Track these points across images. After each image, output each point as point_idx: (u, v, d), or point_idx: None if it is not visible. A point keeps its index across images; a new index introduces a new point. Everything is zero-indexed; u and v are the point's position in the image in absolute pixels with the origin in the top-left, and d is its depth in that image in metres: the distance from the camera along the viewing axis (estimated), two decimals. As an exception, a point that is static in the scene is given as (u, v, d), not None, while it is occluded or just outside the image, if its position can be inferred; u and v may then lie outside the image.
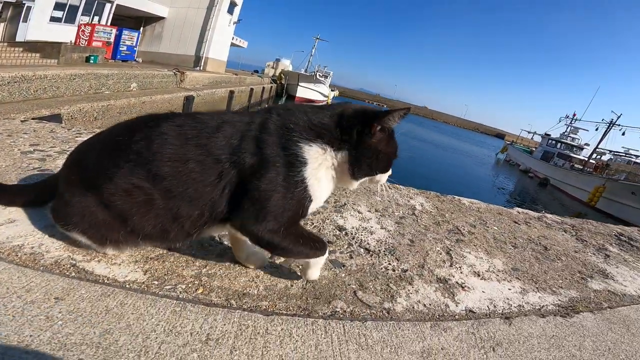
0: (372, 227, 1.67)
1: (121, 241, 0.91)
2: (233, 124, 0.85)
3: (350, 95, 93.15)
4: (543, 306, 1.29)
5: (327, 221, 1.62)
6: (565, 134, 29.71)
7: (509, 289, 1.35)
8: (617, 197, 17.13)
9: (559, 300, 1.37)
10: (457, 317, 1.12)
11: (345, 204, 1.90)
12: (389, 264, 1.35)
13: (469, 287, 1.30)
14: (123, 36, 14.48)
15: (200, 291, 0.96)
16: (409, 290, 1.21)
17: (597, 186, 18.13)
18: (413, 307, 1.12)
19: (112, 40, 13.87)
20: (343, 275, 1.22)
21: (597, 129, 26.54)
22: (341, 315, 1.01)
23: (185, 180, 0.81)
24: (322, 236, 1.45)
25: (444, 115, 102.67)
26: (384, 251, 1.44)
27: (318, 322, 0.94)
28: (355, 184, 0.95)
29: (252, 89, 20.79)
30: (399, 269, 1.33)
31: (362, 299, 1.11)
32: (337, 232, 1.55)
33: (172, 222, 0.86)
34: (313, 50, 42.33)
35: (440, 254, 1.53)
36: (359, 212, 1.83)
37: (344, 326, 0.95)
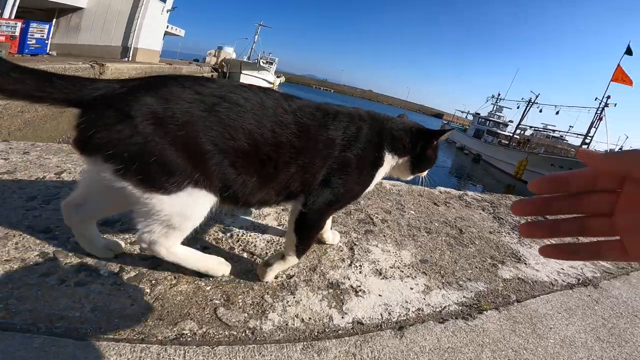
0: (266, 225, 1.44)
1: None
2: (335, 132, 0.97)
3: (298, 81, 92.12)
4: (445, 307, 1.15)
5: (211, 221, 1.31)
6: (492, 112, 32.44)
7: (411, 288, 1.21)
8: (539, 169, 19.13)
9: (464, 297, 1.25)
10: (340, 332, 0.95)
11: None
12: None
13: (364, 291, 1.13)
14: (31, 29, 13.44)
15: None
16: (287, 301, 1.01)
17: (521, 160, 20.08)
18: (287, 324, 0.93)
19: (17, 34, 12.78)
20: (208, 288, 0.99)
21: (518, 107, 29.44)
22: (187, 340, 0.81)
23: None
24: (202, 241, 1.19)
25: (388, 98, 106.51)
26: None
27: (150, 349, 0.76)
28: (410, 177, 1.23)
29: (188, 79, 19.44)
30: (284, 275, 1.11)
31: (222, 318, 0.89)
32: (220, 235, 1.27)
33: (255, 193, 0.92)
34: (256, 37, 40.70)
35: (341, 250, 1.34)
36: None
37: (185, 354, 0.76)
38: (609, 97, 19.75)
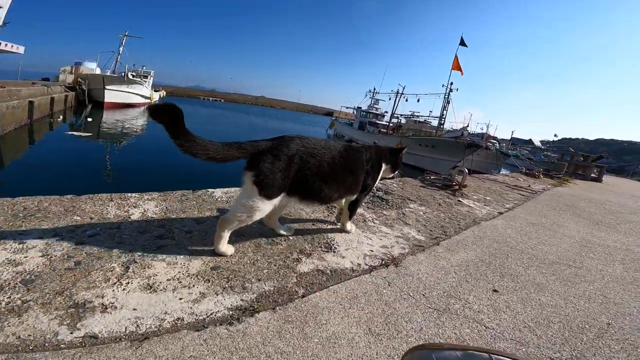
0: (26, 257, 1.35)
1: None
2: (358, 156, 1.88)
3: (183, 94, 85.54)
4: (212, 314, 1.17)
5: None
6: (371, 105, 36.47)
7: (180, 299, 1.23)
8: (411, 150, 22.39)
9: (242, 300, 1.28)
10: (62, 346, 0.96)
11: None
12: (8, 297, 1.12)
13: (115, 307, 1.14)
14: None
15: None
16: (10, 322, 1.01)
17: (397, 143, 23.20)
18: None
19: None
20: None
21: (390, 99, 33.83)
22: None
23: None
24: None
25: (281, 102, 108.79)
26: (18, 283, 1.19)
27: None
28: (391, 176, 2.26)
29: (31, 102, 15.98)
30: (19, 301, 1.11)
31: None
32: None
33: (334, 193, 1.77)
34: (121, 49, 35.94)
35: (112, 270, 1.34)
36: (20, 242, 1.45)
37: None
38: (452, 83, 24.50)
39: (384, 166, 2.05)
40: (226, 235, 1.56)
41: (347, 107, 43.53)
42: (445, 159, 19.74)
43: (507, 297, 1.68)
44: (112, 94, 26.13)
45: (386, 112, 36.13)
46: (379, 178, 2.06)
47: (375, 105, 37.16)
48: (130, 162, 10.40)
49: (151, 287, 1.26)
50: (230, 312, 1.20)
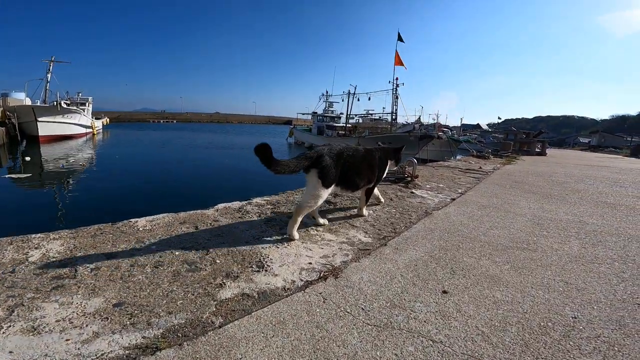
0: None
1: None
2: (374, 155, 2.50)
3: (130, 118, 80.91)
4: (104, 354, 1.04)
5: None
6: (326, 109, 36.68)
7: (67, 340, 1.10)
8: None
9: (144, 337, 1.12)
10: None
11: None
12: None
13: None
14: None
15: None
16: None
17: (354, 144, 23.39)
18: None
19: None
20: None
21: (342, 100, 34.20)
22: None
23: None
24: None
25: (237, 117, 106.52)
26: None
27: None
28: (395, 168, 3.30)
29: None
30: None
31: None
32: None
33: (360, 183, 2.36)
34: (49, 76, 32.93)
35: None
36: None
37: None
38: (397, 78, 25.26)
39: (389, 162, 2.73)
40: (298, 221, 2.03)
41: (303, 114, 43.58)
42: (403, 153, 20.17)
43: (458, 297, 1.42)
44: (46, 127, 23.59)
45: (341, 113, 36.53)
46: (387, 170, 2.76)
47: (330, 109, 37.45)
48: (79, 199, 9.40)
49: (35, 330, 1.14)
50: (127, 352, 1.05)
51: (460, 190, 3.88)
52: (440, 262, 1.78)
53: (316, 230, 2.23)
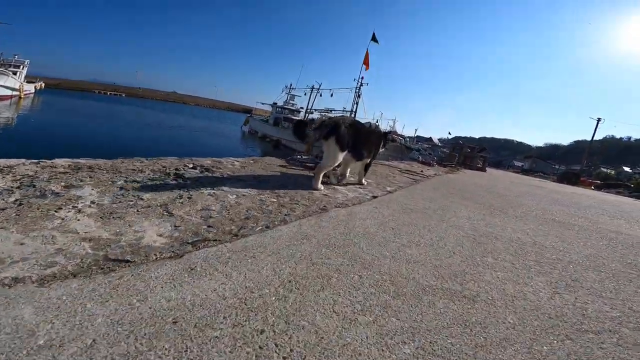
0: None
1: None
2: (375, 134, 2.94)
3: (73, 87, 71.73)
4: None
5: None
6: (287, 101, 35.31)
7: None
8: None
9: None
10: None
11: None
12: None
13: None
14: None
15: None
16: None
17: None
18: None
19: None
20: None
21: (305, 94, 33.07)
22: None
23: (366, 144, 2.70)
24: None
25: (195, 99, 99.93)
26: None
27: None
28: (382, 150, 3.14)
29: None
30: None
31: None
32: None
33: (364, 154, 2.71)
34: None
35: None
36: None
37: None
38: (362, 77, 24.74)
39: (382, 145, 3.01)
40: (320, 177, 2.40)
41: (263, 103, 41.71)
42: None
43: None
44: None
45: (302, 107, 35.42)
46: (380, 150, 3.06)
47: (291, 101, 36.15)
48: None
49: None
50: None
51: (389, 188, 2.97)
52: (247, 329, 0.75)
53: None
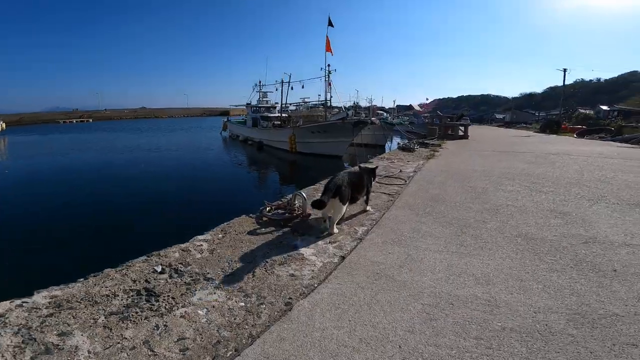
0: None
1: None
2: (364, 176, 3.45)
3: (35, 120, 69.06)
4: None
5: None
6: (260, 99, 34.59)
7: None
8: (306, 139, 21.51)
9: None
10: None
11: None
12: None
13: None
14: None
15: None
16: None
17: (290, 135, 22.10)
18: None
19: None
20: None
21: (276, 89, 32.42)
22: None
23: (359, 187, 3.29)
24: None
25: (166, 111, 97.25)
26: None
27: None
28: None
29: None
30: None
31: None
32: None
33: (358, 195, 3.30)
34: None
35: None
36: None
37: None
38: (329, 65, 24.33)
39: (373, 180, 3.63)
40: (335, 225, 2.96)
41: (236, 106, 40.89)
42: (338, 140, 19.50)
43: None
44: None
45: (276, 103, 34.80)
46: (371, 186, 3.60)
47: (264, 99, 35.41)
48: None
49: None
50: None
51: (359, 234, 2.93)
52: None
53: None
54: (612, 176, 5.30)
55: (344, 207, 3.00)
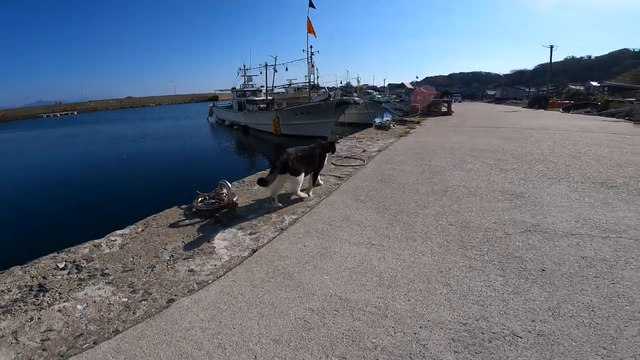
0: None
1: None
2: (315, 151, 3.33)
3: (17, 116, 66.95)
4: None
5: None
6: (245, 83, 33.67)
7: None
8: (290, 121, 21.11)
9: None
10: None
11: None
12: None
13: None
14: None
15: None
16: None
17: (273, 118, 21.63)
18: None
19: None
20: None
21: (260, 73, 31.46)
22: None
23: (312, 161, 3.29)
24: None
25: (154, 99, 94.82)
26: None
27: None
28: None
29: None
30: None
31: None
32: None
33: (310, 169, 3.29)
34: None
35: None
36: None
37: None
38: (311, 47, 23.55)
39: (327, 155, 3.49)
40: (298, 191, 3.24)
41: (222, 90, 39.85)
42: (322, 121, 19.11)
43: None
44: None
45: (262, 86, 33.95)
46: (326, 160, 3.51)
47: (249, 83, 34.45)
48: None
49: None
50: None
51: (285, 223, 2.67)
52: None
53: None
54: (585, 151, 5.06)
55: (299, 178, 3.08)
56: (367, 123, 24.06)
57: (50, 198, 9.66)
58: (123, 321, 1.59)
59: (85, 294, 1.85)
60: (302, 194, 3.26)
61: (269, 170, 3.08)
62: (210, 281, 1.88)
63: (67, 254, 2.38)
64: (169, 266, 2.09)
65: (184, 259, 2.17)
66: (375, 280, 1.79)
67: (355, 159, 5.07)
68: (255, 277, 1.87)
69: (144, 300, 1.75)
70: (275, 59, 31.55)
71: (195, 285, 1.86)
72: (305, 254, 2.12)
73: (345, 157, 5.10)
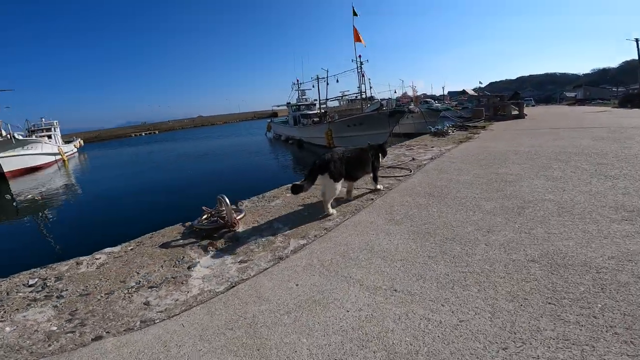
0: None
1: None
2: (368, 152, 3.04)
3: (110, 136, 78.38)
4: None
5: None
6: (299, 97, 34.46)
7: None
8: (342, 133, 20.71)
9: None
10: None
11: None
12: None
13: None
14: None
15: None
16: None
17: (326, 131, 21.41)
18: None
19: None
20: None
21: (313, 86, 31.91)
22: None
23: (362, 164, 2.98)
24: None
25: (221, 117, 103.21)
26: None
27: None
28: (384, 159, 3.60)
29: None
30: None
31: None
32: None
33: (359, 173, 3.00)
34: (-7, 109, 30.14)
35: None
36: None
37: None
38: (360, 56, 23.13)
39: (381, 156, 3.17)
40: (329, 206, 2.69)
41: (278, 106, 41.41)
42: (375, 132, 18.27)
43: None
44: (8, 162, 21.12)
45: (315, 100, 34.36)
46: (381, 161, 3.27)
47: (303, 97, 35.20)
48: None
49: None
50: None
51: (287, 250, 2.02)
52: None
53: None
54: None
55: (337, 185, 2.61)
56: (423, 133, 22.52)
57: (127, 205, 10.61)
58: (31, 353, 1.35)
59: (24, 316, 1.64)
60: (331, 211, 2.65)
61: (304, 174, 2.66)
62: (157, 320, 1.38)
63: (46, 270, 2.18)
64: (127, 295, 1.67)
65: (149, 287, 1.70)
66: (382, 357, 1.04)
67: (401, 168, 4.24)
68: (211, 326, 1.29)
69: (71, 332, 1.43)
70: (327, 71, 31.76)
71: (138, 323, 1.39)
72: (292, 299, 1.45)
73: (387, 167, 4.30)
